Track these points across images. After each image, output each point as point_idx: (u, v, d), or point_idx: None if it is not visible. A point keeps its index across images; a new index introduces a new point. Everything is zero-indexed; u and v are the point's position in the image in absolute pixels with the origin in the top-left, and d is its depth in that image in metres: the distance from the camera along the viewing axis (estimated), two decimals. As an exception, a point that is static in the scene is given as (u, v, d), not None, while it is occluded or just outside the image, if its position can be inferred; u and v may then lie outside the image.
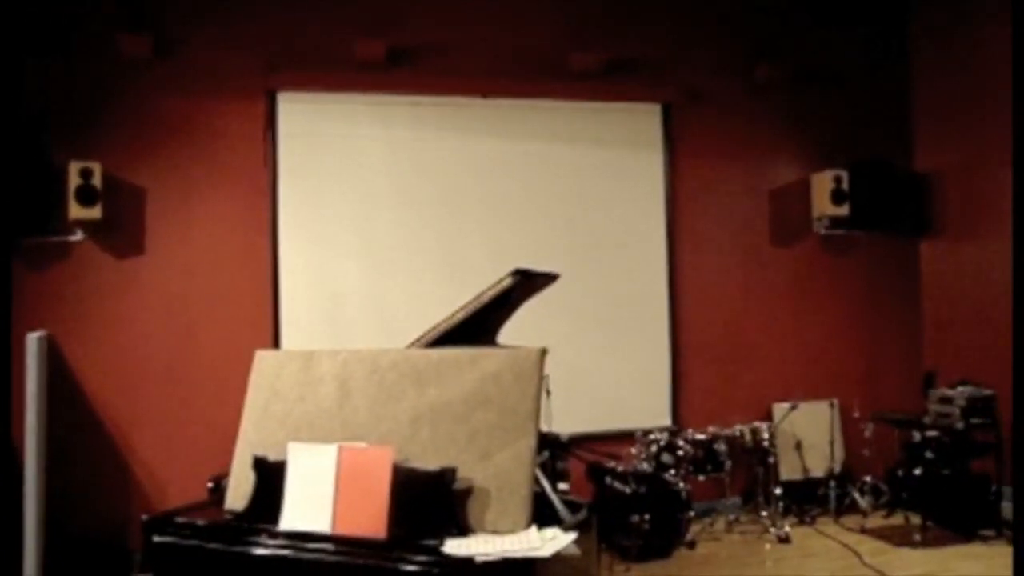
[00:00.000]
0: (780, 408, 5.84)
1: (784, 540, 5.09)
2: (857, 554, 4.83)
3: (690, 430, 5.38)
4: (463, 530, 2.50)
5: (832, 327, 6.21)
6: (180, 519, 2.77)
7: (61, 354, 4.68)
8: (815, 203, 6.09)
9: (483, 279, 3.39)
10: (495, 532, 2.50)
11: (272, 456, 2.76)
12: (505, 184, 5.63)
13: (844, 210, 5.96)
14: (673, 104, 5.93)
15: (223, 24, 5.23)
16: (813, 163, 6.14)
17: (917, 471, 5.19)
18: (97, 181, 4.78)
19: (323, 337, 5.07)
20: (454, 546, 2.38)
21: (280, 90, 5.29)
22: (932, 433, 5.27)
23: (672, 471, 5.01)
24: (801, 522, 5.48)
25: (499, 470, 2.59)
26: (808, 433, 5.94)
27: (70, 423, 4.66)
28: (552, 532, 2.49)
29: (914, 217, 6.24)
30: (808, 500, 5.72)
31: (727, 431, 5.44)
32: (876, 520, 5.44)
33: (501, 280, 3.24)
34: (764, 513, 5.41)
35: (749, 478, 5.63)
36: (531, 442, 2.61)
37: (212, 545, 2.65)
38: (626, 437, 5.34)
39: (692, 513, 4.91)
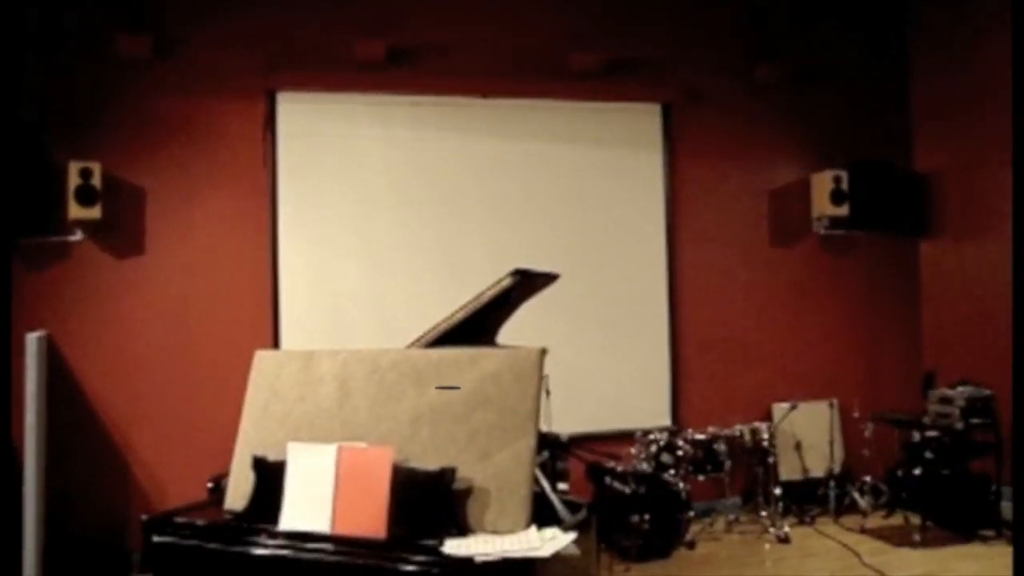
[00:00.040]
0: (780, 408, 5.84)
1: (784, 540, 5.09)
2: (857, 554, 4.83)
3: (690, 430, 5.38)
4: (463, 530, 2.50)
5: (832, 327, 6.21)
6: (180, 519, 2.78)
7: (61, 354, 4.68)
8: (815, 203, 6.09)
9: (483, 279, 3.39)
10: (495, 532, 2.51)
11: (272, 456, 2.76)
12: (505, 184, 5.63)
13: (844, 210, 5.96)
14: (673, 104, 5.93)
15: (223, 24, 5.23)
16: (813, 163, 6.14)
17: (917, 471, 5.18)
18: (97, 181, 4.78)
19: (323, 337, 5.07)
20: (454, 546, 2.38)
21: (280, 90, 5.29)
22: (932, 433, 5.26)
23: (672, 471, 5.01)
24: (801, 522, 5.48)
25: (499, 470, 2.59)
26: (808, 433, 5.94)
27: (70, 423, 4.67)
28: (552, 532, 2.49)
29: (914, 217, 6.24)
30: (808, 500, 5.72)
31: (727, 431, 5.44)
32: (876, 520, 5.44)
33: (501, 280, 3.24)
34: (764, 513, 5.41)
35: (749, 478, 5.63)
36: (531, 442, 2.62)
37: (212, 545, 2.65)
38: (626, 437, 5.35)
39: (692, 513, 4.91)
